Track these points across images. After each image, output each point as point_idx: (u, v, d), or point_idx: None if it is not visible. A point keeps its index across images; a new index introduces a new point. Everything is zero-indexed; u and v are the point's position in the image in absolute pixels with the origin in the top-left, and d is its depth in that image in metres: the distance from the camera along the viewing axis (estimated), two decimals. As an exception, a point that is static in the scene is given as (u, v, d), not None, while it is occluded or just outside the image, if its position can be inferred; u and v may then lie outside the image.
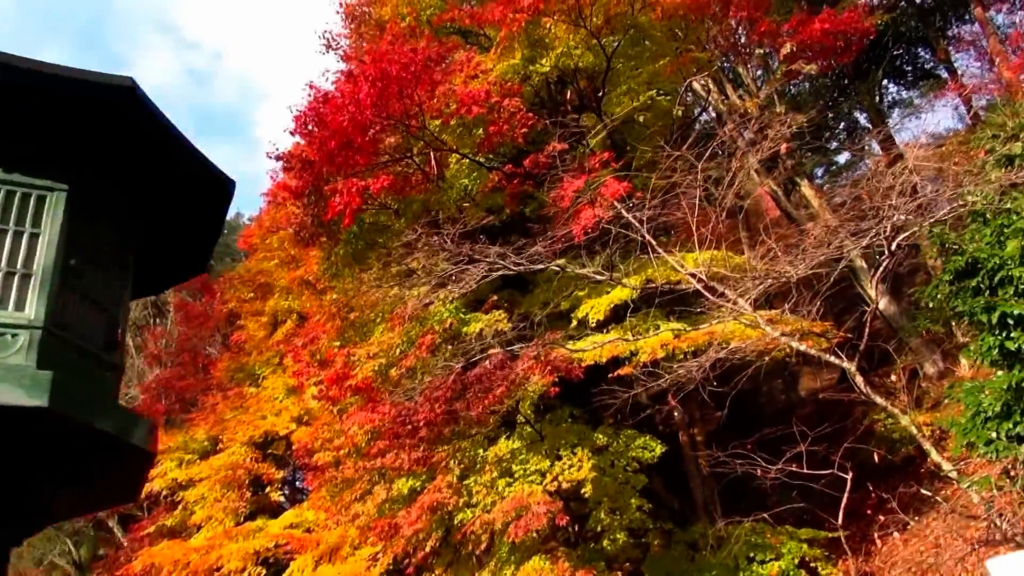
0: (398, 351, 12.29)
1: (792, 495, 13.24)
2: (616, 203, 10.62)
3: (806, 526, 13.37)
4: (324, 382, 13.51)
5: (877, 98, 26.31)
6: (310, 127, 11.36)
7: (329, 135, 11.28)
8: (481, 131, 12.26)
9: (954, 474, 9.42)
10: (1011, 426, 7.98)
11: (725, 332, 11.45)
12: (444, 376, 10.17)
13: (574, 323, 13.32)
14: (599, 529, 11.71)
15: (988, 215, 8.63)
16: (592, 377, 12.83)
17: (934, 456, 9.58)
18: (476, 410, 10.08)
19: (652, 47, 15.72)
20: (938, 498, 11.81)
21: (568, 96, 16.50)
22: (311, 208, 12.62)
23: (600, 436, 13.67)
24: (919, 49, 26.92)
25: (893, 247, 9.14)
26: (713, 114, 23.71)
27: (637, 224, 10.34)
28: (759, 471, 12.38)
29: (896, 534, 10.75)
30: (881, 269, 9.46)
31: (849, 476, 11.27)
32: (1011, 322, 7.87)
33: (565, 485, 10.84)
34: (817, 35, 15.92)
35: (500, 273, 11.31)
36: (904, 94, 28.70)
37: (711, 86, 21.91)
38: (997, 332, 8.08)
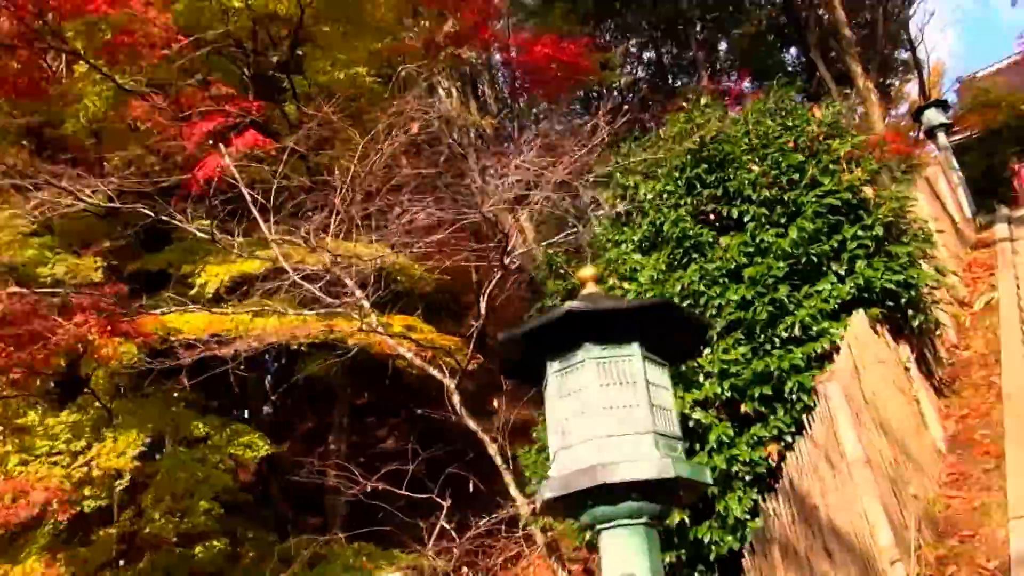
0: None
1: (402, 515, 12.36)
2: (225, 154, 8.98)
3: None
4: None
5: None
6: None
7: None
8: (109, 35, 10.08)
9: (524, 509, 8.84)
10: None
11: (346, 327, 10.27)
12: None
13: (195, 290, 11.49)
14: (133, 529, 9.79)
15: (608, 243, 8.25)
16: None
17: (512, 490, 8.98)
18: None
19: (366, 21, 14.49)
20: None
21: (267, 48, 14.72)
22: None
23: (200, 425, 11.84)
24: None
25: (507, 262, 8.45)
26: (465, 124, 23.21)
27: (245, 190, 8.80)
28: (368, 485, 11.23)
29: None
30: (493, 284, 8.75)
31: (446, 503, 10.51)
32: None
33: (96, 472, 8.84)
34: (540, 59, 15.70)
35: (83, 206, 9.17)
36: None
37: (454, 91, 21.32)
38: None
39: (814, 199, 6.45)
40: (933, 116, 15.23)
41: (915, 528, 5.06)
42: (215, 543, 13.11)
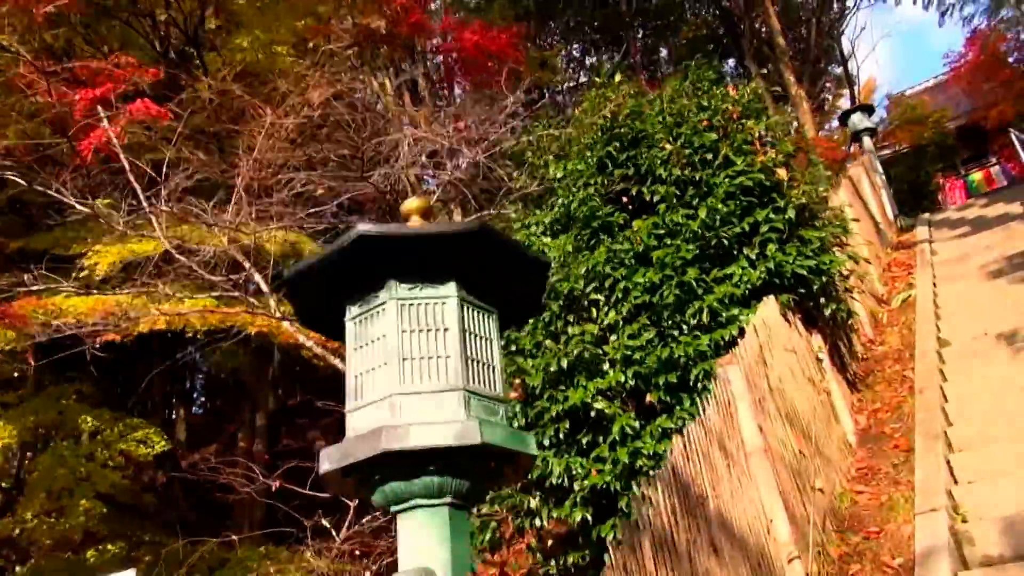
0: None
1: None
2: (104, 117, 8.25)
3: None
4: None
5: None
6: None
7: None
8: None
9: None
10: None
11: (246, 314, 9.59)
12: None
13: (84, 273, 10.64)
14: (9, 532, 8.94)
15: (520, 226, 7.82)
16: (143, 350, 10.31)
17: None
18: None
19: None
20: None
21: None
22: None
23: (89, 419, 10.98)
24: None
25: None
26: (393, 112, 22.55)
27: (125, 158, 8.07)
28: (272, 485, 10.53)
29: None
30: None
31: (353, 503, 9.91)
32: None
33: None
34: (469, 47, 15.22)
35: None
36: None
37: (387, 83, 20.71)
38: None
39: (726, 180, 6.13)
40: (858, 120, 15.34)
41: (819, 524, 4.74)
42: (109, 547, 12.33)
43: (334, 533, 6.94)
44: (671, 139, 6.55)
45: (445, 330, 1.94)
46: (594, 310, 6.17)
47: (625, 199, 6.81)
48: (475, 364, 1.96)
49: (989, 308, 7.83)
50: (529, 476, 6.33)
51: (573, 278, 6.22)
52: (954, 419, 5.85)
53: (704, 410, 4.09)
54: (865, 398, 6.87)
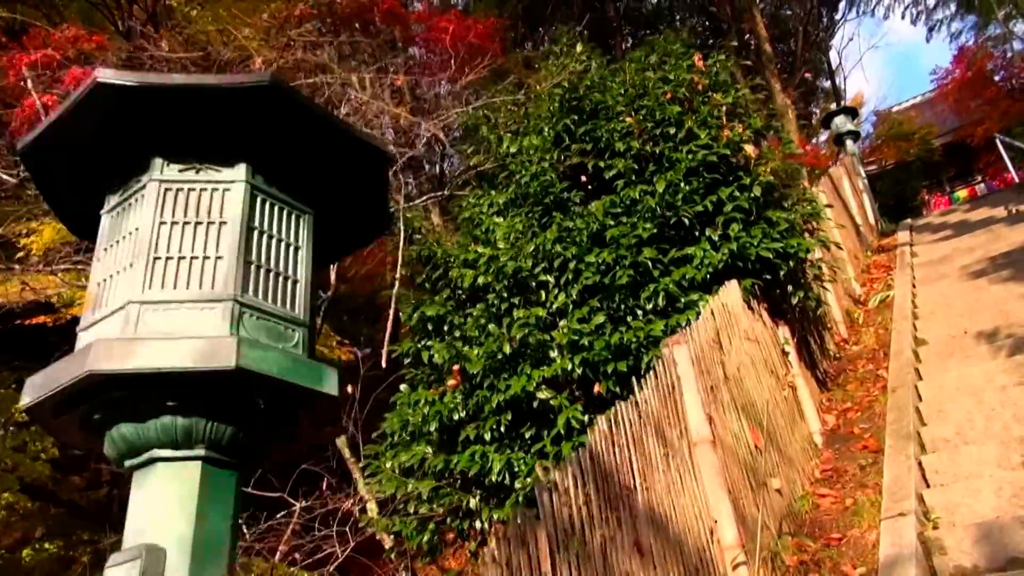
0: None
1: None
2: (28, 77, 7.70)
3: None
4: None
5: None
6: None
7: None
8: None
9: (372, 507, 7.77)
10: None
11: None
12: None
13: (23, 253, 10.05)
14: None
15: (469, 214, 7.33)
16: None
17: (360, 487, 7.93)
18: None
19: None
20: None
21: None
22: None
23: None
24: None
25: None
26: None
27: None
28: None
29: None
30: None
31: (299, 504, 9.30)
32: (431, 327, 6.37)
33: None
34: (446, 37, 14.71)
35: None
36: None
37: (368, 80, 20.24)
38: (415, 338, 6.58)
39: (689, 155, 5.65)
40: (842, 123, 14.96)
41: (773, 527, 4.23)
42: (48, 546, 11.71)
43: (244, 529, 6.36)
44: (633, 111, 6.07)
45: (221, 224, 1.42)
46: (543, 292, 5.66)
47: (584, 177, 6.32)
48: (262, 273, 1.44)
49: (969, 307, 7.38)
50: (468, 473, 5.80)
51: (521, 258, 5.71)
52: (928, 419, 5.37)
53: (640, 390, 3.58)
54: (835, 397, 6.39)
